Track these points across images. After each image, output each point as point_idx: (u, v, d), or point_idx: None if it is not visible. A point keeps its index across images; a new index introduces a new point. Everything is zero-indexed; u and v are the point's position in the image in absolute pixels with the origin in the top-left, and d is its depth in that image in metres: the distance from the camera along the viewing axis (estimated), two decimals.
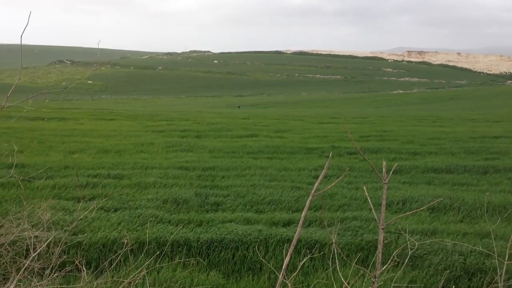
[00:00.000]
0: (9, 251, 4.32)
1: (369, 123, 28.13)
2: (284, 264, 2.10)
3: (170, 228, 7.15)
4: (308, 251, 6.60)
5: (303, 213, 2.06)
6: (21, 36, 2.76)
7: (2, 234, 4.28)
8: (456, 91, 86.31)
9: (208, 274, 6.05)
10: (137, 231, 7.00)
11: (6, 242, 4.13)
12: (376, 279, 2.12)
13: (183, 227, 7.23)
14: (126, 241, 5.30)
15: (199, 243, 6.71)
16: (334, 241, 2.33)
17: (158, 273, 5.79)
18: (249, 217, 8.01)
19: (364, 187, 2.71)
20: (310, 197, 2.12)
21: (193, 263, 6.22)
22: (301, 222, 2.06)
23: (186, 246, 6.66)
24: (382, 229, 1.99)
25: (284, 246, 6.70)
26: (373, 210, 2.13)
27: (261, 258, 6.14)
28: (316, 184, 2.06)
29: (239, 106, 52.35)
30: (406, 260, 3.39)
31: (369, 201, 2.04)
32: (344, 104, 59.83)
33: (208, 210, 8.56)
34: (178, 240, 6.71)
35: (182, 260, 6.16)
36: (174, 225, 7.40)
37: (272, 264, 6.29)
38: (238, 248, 6.67)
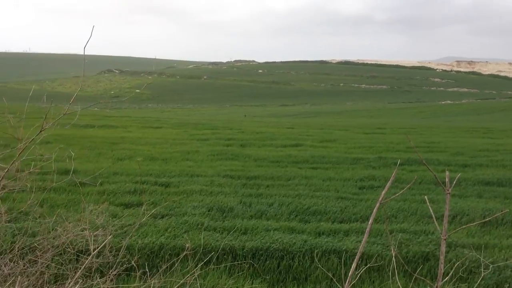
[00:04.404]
0: (66, 251, 4.48)
1: (416, 133, 27.55)
2: (350, 274, 2.08)
3: (215, 235, 7.21)
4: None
5: (370, 220, 2.04)
6: (84, 48, 2.86)
7: (58, 235, 4.45)
8: (507, 102, 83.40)
9: (253, 283, 6.06)
10: (183, 237, 7.09)
11: (66, 242, 4.29)
12: None
13: (228, 235, 7.27)
14: (188, 245, 5.42)
15: (244, 251, 6.74)
16: (394, 253, 2.30)
17: (204, 279, 5.84)
18: (293, 226, 7.98)
19: (426, 197, 2.65)
20: (378, 204, 2.09)
21: (238, 272, 6.25)
22: (368, 230, 2.04)
23: (231, 254, 6.70)
24: (445, 239, 1.94)
25: (330, 257, 6.64)
26: (435, 220, 2.08)
27: (322, 268, 6.10)
28: (383, 192, 2.03)
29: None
30: (481, 277, 3.28)
31: (431, 210, 2.00)
32: (390, 114, 58.84)
33: (252, 218, 8.58)
34: (224, 247, 6.75)
35: (228, 266, 6.19)
36: (219, 232, 7.46)
37: (318, 274, 6.24)
38: (283, 257, 6.66)
